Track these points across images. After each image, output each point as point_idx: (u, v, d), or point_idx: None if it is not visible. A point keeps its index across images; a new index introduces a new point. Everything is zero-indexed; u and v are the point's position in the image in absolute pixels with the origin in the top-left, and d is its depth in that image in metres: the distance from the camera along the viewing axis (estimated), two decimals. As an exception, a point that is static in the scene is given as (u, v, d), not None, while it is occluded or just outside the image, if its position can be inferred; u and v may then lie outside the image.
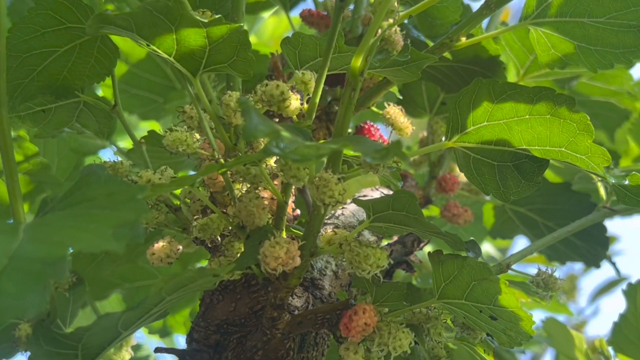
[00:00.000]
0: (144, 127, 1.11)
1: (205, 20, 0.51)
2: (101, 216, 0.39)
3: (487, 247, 1.25)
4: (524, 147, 0.54)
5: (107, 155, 1.01)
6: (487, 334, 0.57)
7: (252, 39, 1.35)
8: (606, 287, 1.84)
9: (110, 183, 0.43)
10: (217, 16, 0.52)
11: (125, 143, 1.02)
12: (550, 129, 0.53)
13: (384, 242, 0.73)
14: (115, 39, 0.62)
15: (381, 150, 0.44)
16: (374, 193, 0.74)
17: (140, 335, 1.19)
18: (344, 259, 0.54)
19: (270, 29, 1.36)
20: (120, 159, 0.58)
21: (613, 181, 0.54)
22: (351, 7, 0.78)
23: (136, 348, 0.87)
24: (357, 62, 0.51)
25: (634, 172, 0.54)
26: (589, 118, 0.51)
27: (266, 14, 0.98)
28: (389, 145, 0.45)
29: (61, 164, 0.91)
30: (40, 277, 0.33)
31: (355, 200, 0.56)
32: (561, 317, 1.76)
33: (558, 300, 1.24)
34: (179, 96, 0.88)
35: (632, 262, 2.24)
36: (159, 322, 0.91)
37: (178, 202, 0.60)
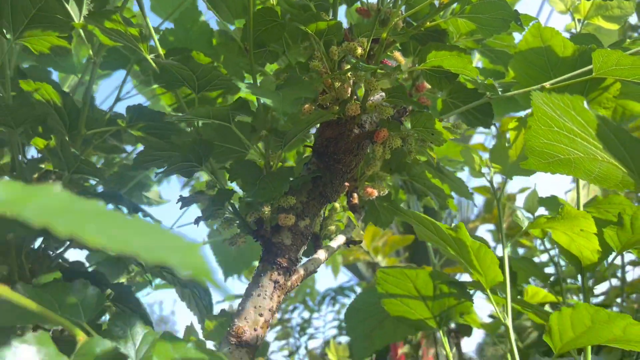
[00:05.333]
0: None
1: (326, 19, 0.91)
2: (299, 92, 0.83)
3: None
4: (449, 68, 0.94)
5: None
6: (430, 142, 1.00)
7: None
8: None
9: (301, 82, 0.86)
10: (331, 17, 0.92)
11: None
12: (458, 60, 0.87)
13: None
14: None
15: (386, 68, 0.86)
16: (388, 91, 1.14)
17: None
18: (376, 112, 0.97)
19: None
20: (288, 73, 1.01)
21: (479, 80, 0.93)
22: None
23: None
24: (384, 34, 0.92)
25: (490, 79, 0.93)
26: (471, 58, 0.91)
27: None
28: (391, 67, 0.87)
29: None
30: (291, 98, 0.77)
31: (382, 90, 0.98)
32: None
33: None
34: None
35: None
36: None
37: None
